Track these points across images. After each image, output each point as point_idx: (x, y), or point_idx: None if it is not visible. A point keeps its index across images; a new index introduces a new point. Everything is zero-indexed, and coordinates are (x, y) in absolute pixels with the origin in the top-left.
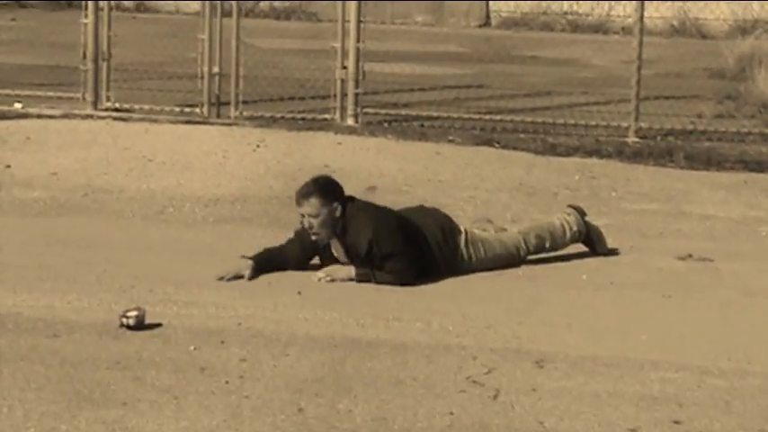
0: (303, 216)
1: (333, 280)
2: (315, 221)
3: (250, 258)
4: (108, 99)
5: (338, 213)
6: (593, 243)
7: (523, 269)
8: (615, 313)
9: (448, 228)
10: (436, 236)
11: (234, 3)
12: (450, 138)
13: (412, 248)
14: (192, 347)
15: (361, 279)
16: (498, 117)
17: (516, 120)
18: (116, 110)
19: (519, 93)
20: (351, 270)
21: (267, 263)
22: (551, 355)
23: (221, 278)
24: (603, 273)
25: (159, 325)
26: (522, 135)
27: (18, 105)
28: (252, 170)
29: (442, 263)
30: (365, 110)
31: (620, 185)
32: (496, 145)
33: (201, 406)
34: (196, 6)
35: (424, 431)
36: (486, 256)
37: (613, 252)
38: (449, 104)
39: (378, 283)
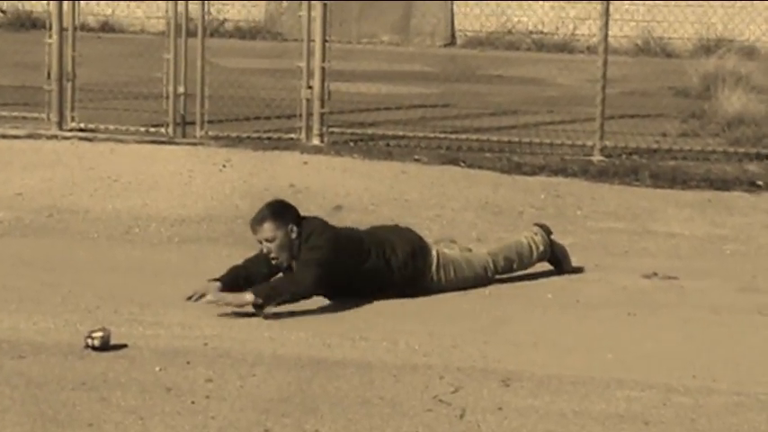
0: (260, 242)
1: (226, 304)
2: (272, 245)
3: (216, 280)
4: (73, 119)
5: (294, 235)
6: (559, 261)
7: (490, 288)
8: (581, 332)
9: (418, 248)
10: (405, 255)
11: (199, 23)
12: (416, 157)
13: (330, 269)
14: (157, 368)
15: (258, 294)
16: (464, 136)
17: (482, 139)
18: (81, 130)
19: (485, 112)
20: (245, 295)
21: (234, 282)
22: (517, 374)
23: (189, 298)
24: (569, 291)
25: (125, 346)
26: (487, 154)
27: None
28: (218, 190)
29: (405, 283)
30: (331, 129)
31: (586, 204)
32: (462, 164)
33: (168, 426)
34: (161, 26)
35: None
36: (455, 277)
37: (578, 270)
38: (414, 124)
39: (274, 294)
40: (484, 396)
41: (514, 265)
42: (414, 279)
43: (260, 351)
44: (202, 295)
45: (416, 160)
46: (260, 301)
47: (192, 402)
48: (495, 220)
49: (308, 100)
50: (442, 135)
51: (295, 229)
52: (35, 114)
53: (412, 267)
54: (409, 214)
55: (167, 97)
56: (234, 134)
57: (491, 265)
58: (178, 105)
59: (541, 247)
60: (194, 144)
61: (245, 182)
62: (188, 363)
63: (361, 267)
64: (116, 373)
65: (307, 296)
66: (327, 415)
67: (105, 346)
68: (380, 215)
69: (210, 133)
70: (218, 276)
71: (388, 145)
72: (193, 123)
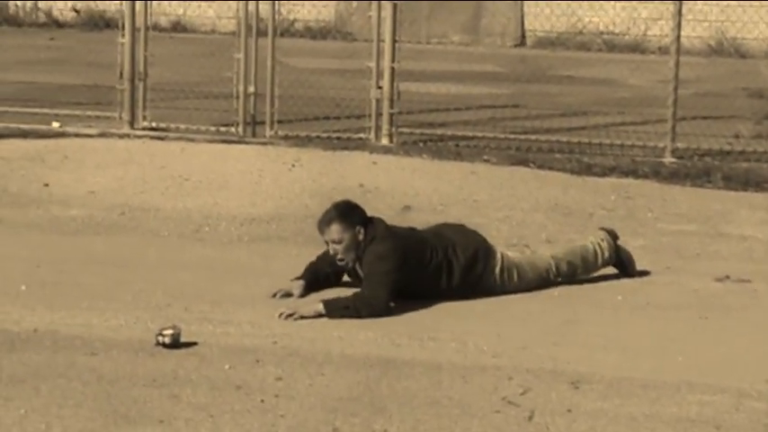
0: (327, 243)
1: (301, 317)
2: (339, 247)
3: (299, 279)
4: (145, 118)
5: (361, 237)
6: (624, 266)
7: (558, 290)
8: (651, 334)
9: (483, 250)
10: (468, 257)
11: (269, 23)
12: (486, 157)
13: (397, 278)
14: (227, 366)
15: (332, 314)
16: (534, 137)
17: (552, 140)
18: (153, 129)
19: (555, 112)
20: (318, 305)
21: (314, 280)
22: (587, 377)
23: (274, 295)
24: (640, 294)
25: (195, 343)
26: (557, 155)
27: (56, 125)
28: (287, 189)
29: (468, 285)
30: (400, 129)
31: (657, 206)
32: (532, 165)
33: (237, 424)
34: (232, 26)
35: None
36: (518, 280)
37: (644, 274)
38: (484, 124)
39: (348, 314)
40: (553, 398)
41: (578, 270)
42: (476, 281)
43: (329, 350)
44: (287, 293)
45: (486, 161)
46: (331, 315)
47: (262, 401)
48: (565, 221)
49: (377, 100)
50: (512, 136)
51: (362, 230)
52: (107, 114)
53: (474, 269)
54: (478, 215)
55: (237, 97)
56: (303, 134)
57: (554, 269)
58: (248, 105)
59: (606, 254)
60: (264, 143)
61: (315, 181)
62: (257, 361)
63: (424, 270)
64: (186, 371)
65: (380, 316)
66: (396, 415)
67: (176, 344)
68: (449, 216)
69: (280, 133)
70: (299, 275)
71: (457, 145)
72: (263, 123)
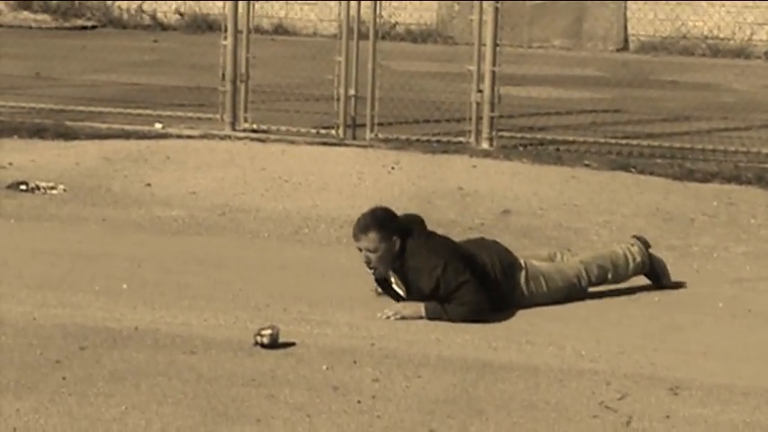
0: (361, 250)
1: (402, 318)
2: (373, 256)
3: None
4: (246, 120)
5: (397, 247)
6: (658, 276)
7: (659, 295)
8: (753, 341)
9: (507, 263)
10: (496, 269)
11: (370, 26)
12: (586, 162)
13: (478, 279)
14: (325, 367)
15: (431, 316)
16: (635, 142)
17: (653, 145)
18: (254, 131)
19: (657, 117)
20: (420, 308)
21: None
22: (686, 383)
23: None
24: (741, 300)
25: (293, 344)
26: (659, 160)
27: (159, 126)
28: (386, 192)
29: (500, 298)
30: (500, 133)
31: (760, 212)
32: (633, 170)
33: (334, 425)
34: (333, 29)
35: None
36: (547, 290)
37: (679, 285)
38: (585, 129)
39: (450, 319)
40: (651, 404)
41: (609, 275)
42: (507, 294)
43: (426, 352)
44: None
45: (586, 165)
46: (428, 316)
47: (359, 401)
48: (666, 226)
49: (477, 104)
50: (613, 140)
51: (398, 241)
52: (209, 115)
53: (505, 282)
54: (578, 219)
55: (338, 99)
56: (403, 137)
57: (584, 275)
58: (349, 107)
59: (638, 258)
60: (364, 146)
61: (414, 184)
62: (355, 362)
63: (486, 281)
64: (284, 371)
65: (483, 318)
66: (492, 418)
67: (274, 344)
68: (549, 220)
69: (380, 135)
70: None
71: (557, 150)
72: (363, 125)
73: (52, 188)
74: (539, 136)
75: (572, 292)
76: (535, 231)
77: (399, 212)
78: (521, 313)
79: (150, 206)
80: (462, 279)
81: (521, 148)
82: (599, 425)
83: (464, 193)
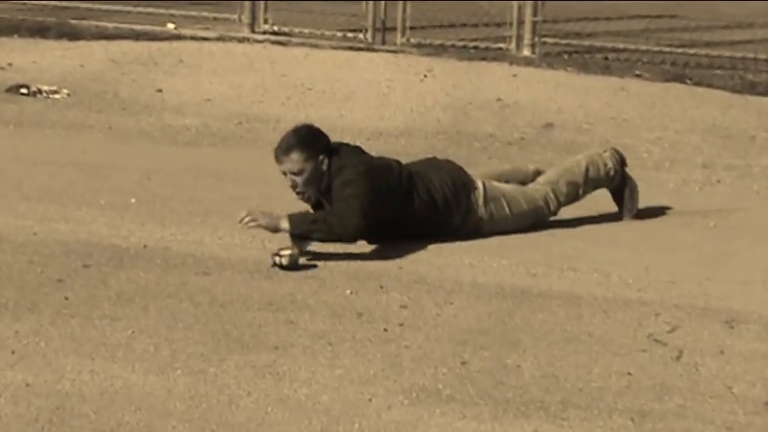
0: (285, 174)
1: (258, 226)
2: (299, 179)
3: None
4: (266, 21)
5: (324, 167)
6: (622, 197)
7: (714, 219)
8: None
9: (460, 183)
10: (446, 189)
11: None
12: (637, 72)
13: (369, 202)
14: (348, 291)
15: (294, 232)
16: (692, 51)
17: (712, 54)
18: (274, 33)
19: (716, 24)
20: (283, 220)
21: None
22: (743, 315)
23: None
24: None
25: (314, 266)
26: (717, 71)
27: (171, 26)
28: (418, 102)
29: (453, 221)
30: (543, 39)
31: None
32: (688, 81)
33: (358, 354)
34: None
35: (598, 391)
36: (510, 213)
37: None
38: (637, 35)
39: (316, 229)
40: (704, 337)
41: (580, 191)
42: (462, 218)
43: (458, 278)
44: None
45: (637, 76)
46: (295, 232)
47: (385, 330)
48: (724, 144)
49: (519, 7)
50: (667, 49)
51: (326, 160)
52: (226, 15)
53: (456, 203)
54: (627, 135)
55: (367, 0)
56: (437, 42)
57: (552, 196)
58: (378, 10)
59: (610, 164)
60: (394, 52)
61: (448, 94)
62: (381, 287)
63: (406, 205)
64: (304, 295)
65: (350, 239)
66: (530, 350)
67: (294, 266)
68: (595, 135)
69: (412, 40)
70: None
71: (606, 58)
72: (394, 29)
73: (55, 92)
74: (585, 43)
75: (539, 215)
76: (580, 147)
77: (432, 125)
78: (562, 237)
79: (161, 114)
80: (349, 192)
81: (565, 56)
82: (647, 359)
83: (503, 105)
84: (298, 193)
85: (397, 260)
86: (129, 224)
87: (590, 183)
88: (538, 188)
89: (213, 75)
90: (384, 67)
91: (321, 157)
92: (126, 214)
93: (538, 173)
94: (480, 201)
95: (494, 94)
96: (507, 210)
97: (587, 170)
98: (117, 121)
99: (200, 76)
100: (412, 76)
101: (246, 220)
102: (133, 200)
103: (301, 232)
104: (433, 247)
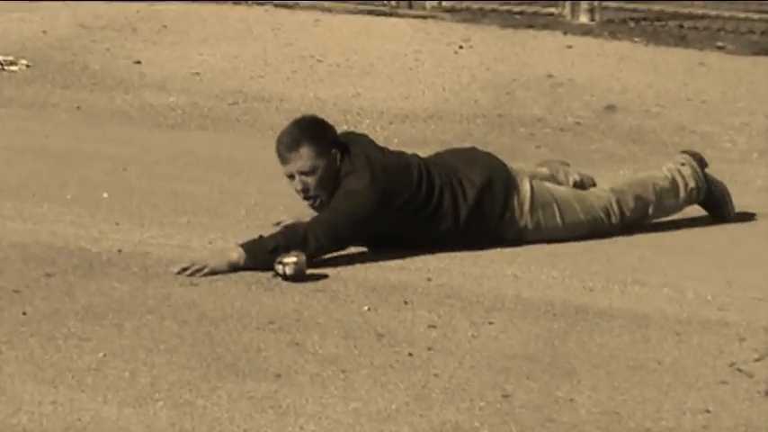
0: (293, 177)
1: (211, 272)
2: (311, 180)
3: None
4: None
5: (338, 162)
6: (718, 204)
7: None
8: None
9: (500, 183)
10: (477, 190)
11: None
12: (719, 44)
13: (363, 225)
14: (366, 307)
15: (256, 259)
16: None
17: None
18: None
19: None
20: (233, 253)
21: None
22: None
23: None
24: None
25: (325, 276)
26: None
27: None
28: (452, 79)
29: (481, 230)
30: (604, 4)
31: None
32: None
33: (377, 383)
34: None
35: None
36: (561, 223)
37: (749, 218)
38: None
39: (272, 254)
40: None
41: (650, 209)
42: (496, 223)
43: (499, 292)
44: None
45: (719, 48)
46: (255, 265)
47: (410, 354)
48: None
49: None
50: (756, 16)
51: (339, 155)
52: None
53: (490, 206)
54: (706, 120)
55: None
56: (475, 6)
57: (615, 208)
58: None
59: (691, 183)
60: (423, 17)
61: (489, 69)
62: (405, 303)
63: (423, 214)
64: (313, 312)
65: (313, 252)
66: (586, 380)
67: (300, 276)
68: (667, 120)
69: (444, 4)
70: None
71: (681, 27)
72: None
73: (11, 63)
74: (656, 8)
75: (597, 229)
76: (648, 135)
77: (468, 107)
78: (625, 244)
79: (140, 90)
80: (344, 207)
81: (631, 24)
82: (728, 393)
83: (555, 83)
84: (308, 199)
85: (425, 270)
86: (100, 224)
87: (666, 202)
88: (600, 195)
89: (203, 44)
90: (410, 36)
91: (334, 152)
92: (97, 212)
93: (583, 183)
94: (526, 206)
95: (544, 70)
96: (558, 219)
97: (663, 194)
98: (86, 98)
99: (187, 46)
100: (445, 47)
101: (191, 271)
102: (106, 194)
103: (261, 263)
104: (468, 255)
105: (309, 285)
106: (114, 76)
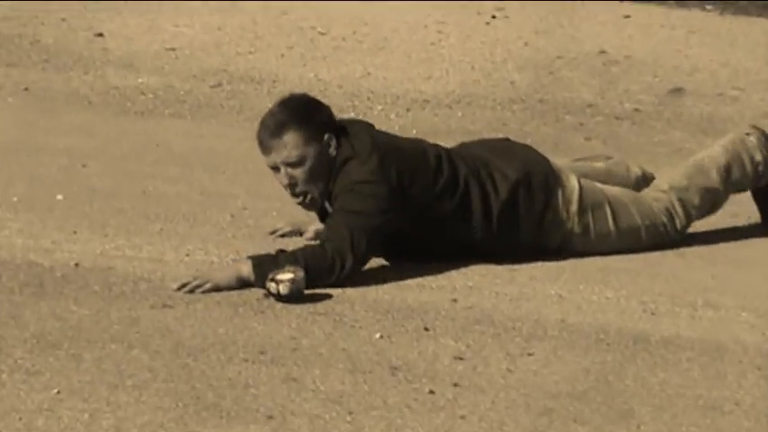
0: (277, 169)
1: (215, 288)
2: (299, 172)
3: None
4: None
5: (333, 150)
6: None
7: None
8: None
9: (540, 179)
10: (510, 187)
11: None
12: None
13: (383, 221)
14: (378, 335)
15: (262, 277)
16: None
17: None
18: None
19: None
20: (243, 266)
21: None
22: None
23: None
24: None
25: (328, 296)
26: None
27: None
28: (483, 56)
29: (518, 231)
30: None
31: None
32: None
33: (391, 427)
34: None
35: None
36: (615, 228)
37: None
38: None
39: (296, 268)
40: None
41: (719, 198)
42: (534, 226)
43: (541, 316)
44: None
45: None
46: (259, 282)
47: (431, 392)
48: None
49: None
50: None
51: (334, 140)
52: None
53: (527, 207)
54: None
55: None
56: None
57: (679, 208)
58: None
59: (759, 157)
60: None
61: (528, 44)
62: (426, 329)
63: (438, 209)
64: (313, 340)
65: (344, 277)
66: (648, 423)
67: (297, 296)
68: (746, 106)
69: None
70: None
71: None
72: None
73: None
74: None
75: (659, 235)
76: (722, 124)
77: (503, 90)
78: (695, 258)
79: (103, 69)
80: (351, 204)
81: None
82: None
83: (609, 60)
84: (296, 195)
85: (450, 288)
86: (53, 232)
87: (731, 187)
88: (658, 196)
89: (178, 13)
90: (432, 3)
91: (327, 137)
92: (49, 218)
93: (646, 177)
94: (573, 206)
95: (595, 45)
96: (611, 223)
97: (728, 170)
98: (37, 79)
99: (159, 15)
100: (474, 16)
101: (190, 287)
102: (60, 196)
103: (262, 277)
104: (502, 270)
105: (308, 307)
106: (71, 52)
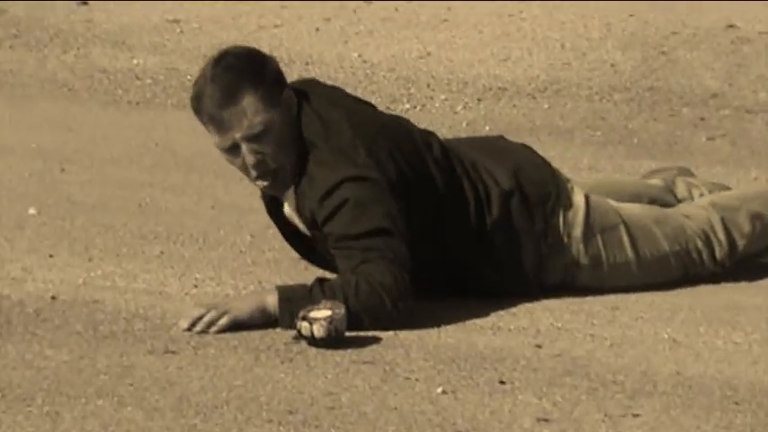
0: (236, 149)
1: (224, 324)
2: (266, 146)
3: None
4: None
5: (294, 112)
6: None
7: None
8: None
9: (542, 188)
10: (502, 196)
11: None
12: None
13: (397, 208)
14: (440, 389)
15: (289, 312)
16: None
17: None
18: None
19: None
20: (269, 297)
21: None
22: None
23: None
24: None
25: (376, 340)
26: None
27: None
28: (575, 31)
29: (507, 252)
30: None
31: None
32: None
33: None
34: None
35: None
36: (633, 256)
37: None
38: None
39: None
40: None
41: None
42: (531, 250)
43: (649, 367)
44: None
45: None
46: (287, 322)
47: None
48: None
49: None
50: None
51: (294, 99)
52: None
53: (522, 222)
54: None
55: None
56: None
57: (719, 232)
58: None
59: None
60: None
61: (633, 17)
62: (502, 382)
63: (431, 201)
64: (356, 396)
65: (398, 303)
66: None
67: (336, 339)
68: None
69: None
70: None
71: None
72: None
73: None
74: None
75: (690, 267)
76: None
77: (602, 75)
78: None
79: (89, 48)
80: (374, 223)
81: None
82: None
83: (738, 38)
84: (266, 177)
85: (533, 330)
86: (25, 256)
87: None
88: (694, 212)
89: None
90: None
91: (287, 92)
92: (20, 238)
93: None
94: (578, 229)
95: (719, 20)
96: (629, 249)
97: None
98: (4, 59)
99: None
100: None
101: (202, 324)
102: (33, 210)
103: (292, 313)
104: (600, 308)
105: (350, 354)
106: (52, 27)
